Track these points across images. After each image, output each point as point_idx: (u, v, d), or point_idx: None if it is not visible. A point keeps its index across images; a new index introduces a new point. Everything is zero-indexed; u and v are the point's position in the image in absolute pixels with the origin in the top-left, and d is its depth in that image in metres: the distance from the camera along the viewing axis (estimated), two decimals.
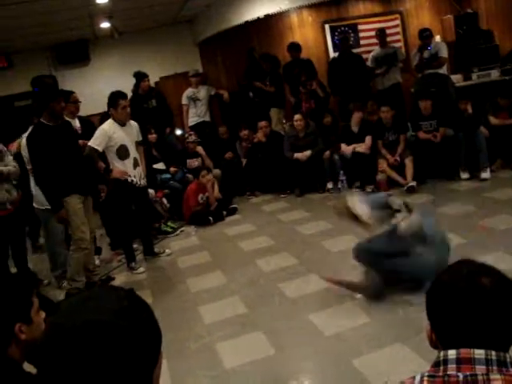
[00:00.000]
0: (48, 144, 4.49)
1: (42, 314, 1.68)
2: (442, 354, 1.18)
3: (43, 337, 0.94)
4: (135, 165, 5.42)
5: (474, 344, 1.15)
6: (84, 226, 4.72)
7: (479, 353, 1.13)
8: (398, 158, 6.88)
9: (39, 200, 5.10)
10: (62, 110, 4.68)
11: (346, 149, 7.27)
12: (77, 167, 4.72)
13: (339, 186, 7.30)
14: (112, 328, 0.90)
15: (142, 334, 0.95)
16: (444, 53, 7.98)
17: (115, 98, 5.30)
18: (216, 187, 7.26)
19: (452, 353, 1.16)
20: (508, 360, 1.13)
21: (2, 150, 5.03)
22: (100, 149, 5.21)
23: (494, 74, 8.21)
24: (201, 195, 7.03)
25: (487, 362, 1.12)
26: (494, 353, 1.13)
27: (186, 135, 8.11)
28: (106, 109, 5.68)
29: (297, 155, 7.45)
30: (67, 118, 5.65)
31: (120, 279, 5.40)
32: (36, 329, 1.62)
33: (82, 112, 7.44)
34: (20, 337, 1.59)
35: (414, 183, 6.57)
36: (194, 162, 7.73)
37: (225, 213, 7.04)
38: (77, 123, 5.87)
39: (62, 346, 0.89)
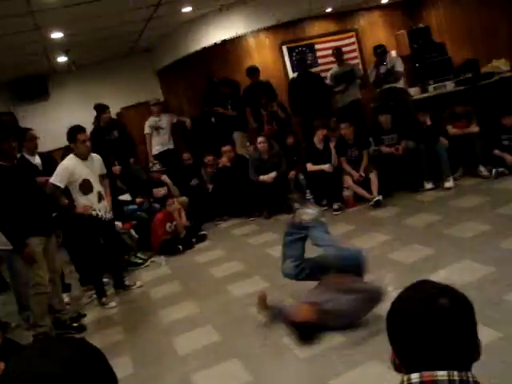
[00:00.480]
0: (4, 185, 4.36)
1: (1, 365, 1.63)
2: (405, 378, 1.17)
3: None
4: (100, 198, 5.35)
5: (436, 366, 1.14)
6: (42, 270, 4.55)
7: (442, 374, 1.13)
8: (363, 174, 6.95)
9: (2, 240, 4.98)
10: (13, 150, 4.53)
11: (312, 168, 7.29)
12: (36, 207, 4.58)
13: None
14: (60, 380, 0.87)
15: (93, 382, 0.91)
16: (400, 67, 8.15)
17: (73, 132, 5.24)
18: (183, 215, 7.21)
19: (415, 376, 1.15)
20: (470, 379, 1.13)
21: None
22: (62, 185, 5.13)
23: (450, 86, 8.41)
24: (168, 224, 6.97)
25: (450, 382, 1.12)
26: (456, 373, 1.13)
27: (150, 164, 8.06)
28: (67, 143, 5.62)
29: (262, 177, 7.46)
30: (26, 156, 5.59)
31: (91, 315, 5.29)
32: None
33: (44, 147, 7.35)
34: None
35: (380, 197, 6.63)
36: (159, 191, 7.68)
37: (194, 240, 6.99)
38: (37, 160, 5.75)
39: None
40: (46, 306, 4.68)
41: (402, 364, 1.22)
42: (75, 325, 5.01)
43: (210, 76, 8.90)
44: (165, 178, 7.85)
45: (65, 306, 5.13)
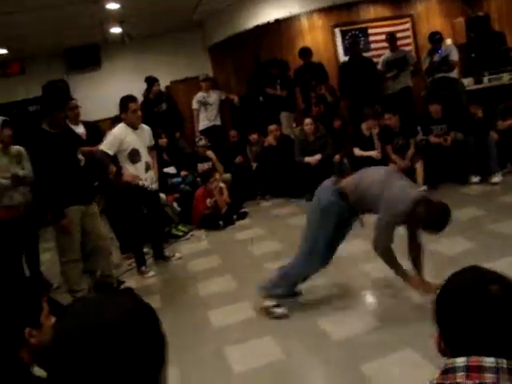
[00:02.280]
0: (47, 151, 4.42)
1: (52, 319, 1.69)
2: (450, 361, 1.17)
3: (51, 340, 0.95)
4: (147, 169, 5.44)
5: (484, 352, 1.14)
6: (73, 238, 4.64)
7: (489, 361, 1.12)
8: (409, 163, 6.85)
9: None
10: (63, 120, 4.66)
11: (360, 153, 7.24)
12: (76, 176, 4.66)
13: None
14: (119, 328, 0.92)
15: (147, 336, 0.96)
16: (455, 56, 7.96)
17: (125, 101, 5.32)
18: (225, 192, 7.27)
19: (461, 360, 1.15)
20: None
21: (21, 152, 5.11)
22: (111, 152, 5.22)
23: (506, 78, 8.16)
24: (208, 200, 7.05)
25: (497, 370, 1.11)
26: (505, 361, 1.12)
27: (197, 139, 8.13)
28: (117, 113, 5.72)
29: (307, 159, 7.45)
30: (70, 125, 5.70)
31: (130, 283, 5.39)
32: (46, 333, 1.63)
33: (93, 116, 7.53)
34: (30, 341, 1.61)
35: (424, 187, 6.54)
36: (204, 166, 7.75)
37: (235, 217, 7.05)
38: (81, 129, 5.85)
39: (69, 348, 0.90)
40: (79, 272, 4.80)
41: (448, 348, 1.22)
42: (122, 287, 5.15)
43: (257, 56, 8.90)
44: (210, 153, 7.92)
45: (112, 271, 5.23)
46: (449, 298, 1.24)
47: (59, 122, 4.56)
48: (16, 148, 5.16)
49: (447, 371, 1.16)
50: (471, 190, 6.51)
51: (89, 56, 9.76)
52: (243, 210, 7.30)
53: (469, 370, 1.13)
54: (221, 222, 6.85)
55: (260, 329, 3.87)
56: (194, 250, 6.24)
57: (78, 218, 4.65)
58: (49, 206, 4.61)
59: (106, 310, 0.95)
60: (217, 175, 7.26)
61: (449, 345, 1.22)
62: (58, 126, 4.55)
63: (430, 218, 3.43)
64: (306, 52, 8.38)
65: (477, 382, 1.10)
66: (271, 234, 6.26)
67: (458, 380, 1.12)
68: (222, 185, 7.26)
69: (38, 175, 4.56)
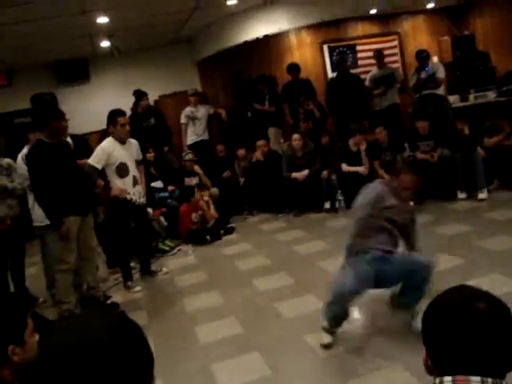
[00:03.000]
0: (48, 161, 4.46)
1: (36, 336, 1.67)
2: (437, 380, 1.17)
3: (35, 358, 0.93)
4: (134, 183, 5.43)
5: (470, 371, 1.14)
6: (69, 248, 4.64)
7: (475, 380, 1.13)
8: None
9: (38, 217, 5.08)
10: (63, 129, 4.67)
11: (347, 169, 7.27)
12: (76, 187, 4.68)
13: (337, 206, 7.32)
14: (105, 346, 0.90)
15: (134, 354, 0.94)
16: (441, 74, 8.05)
17: (114, 115, 5.32)
18: (212, 206, 7.26)
19: (448, 379, 1.15)
20: None
21: (11, 165, 5.10)
22: (99, 166, 5.20)
23: (491, 96, 8.28)
24: (194, 214, 7.03)
25: None
26: (490, 380, 1.12)
27: (183, 153, 8.12)
28: (105, 127, 5.70)
29: (295, 175, 7.47)
30: None
31: (116, 298, 5.36)
32: (29, 351, 1.60)
33: (81, 130, 7.49)
34: (13, 359, 1.58)
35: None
36: (191, 181, 7.74)
37: (222, 232, 7.04)
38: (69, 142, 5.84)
39: (53, 366, 0.88)
40: (69, 284, 4.78)
41: (435, 366, 1.22)
42: (109, 302, 5.11)
43: (239, 71, 8.99)
44: (197, 168, 7.91)
45: (98, 284, 5.21)
46: (436, 316, 1.24)
47: (59, 132, 4.60)
48: (6, 160, 5.15)
49: None
50: (458, 206, 6.56)
51: (77, 69, 9.74)
52: (230, 225, 7.29)
53: None
54: (208, 237, 6.84)
55: (247, 345, 3.85)
56: (180, 264, 6.22)
57: (75, 228, 4.66)
58: (48, 215, 4.60)
59: (91, 328, 0.94)
60: (203, 193, 7.26)
61: (436, 363, 1.22)
62: (57, 136, 4.58)
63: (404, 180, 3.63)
64: (294, 68, 8.44)
65: None
66: (258, 249, 6.25)
67: None
68: (206, 198, 7.24)
69: (37, 186, 4.55)
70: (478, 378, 1.13)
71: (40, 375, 0.90)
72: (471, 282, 4.02)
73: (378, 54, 8.71)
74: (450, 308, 1.22)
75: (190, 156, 7.94)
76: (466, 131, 6.85)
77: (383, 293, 3.84)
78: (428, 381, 1.26)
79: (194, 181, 7.75)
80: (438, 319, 1.23)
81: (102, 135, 6.18)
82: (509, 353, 1.18)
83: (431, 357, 1.24)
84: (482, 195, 6.52)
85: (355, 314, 3.98)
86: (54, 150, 4.52)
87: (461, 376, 1.14)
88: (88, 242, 4.92)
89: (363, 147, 7.21)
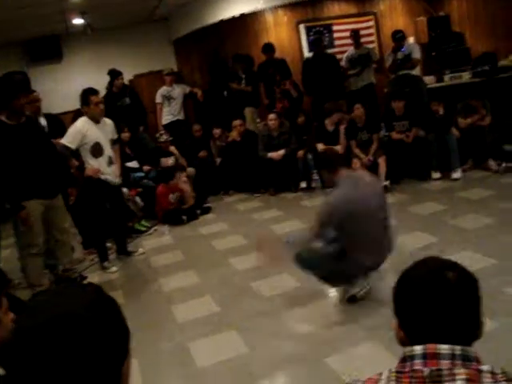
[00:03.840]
0: (7, 145, 4.28)
1: (11, 315, 1.65)
2: (409, 349, 1.19)
3: (12, 335, 0.92)
4: (109, 163, 5.36)
5: (440, 339, 1.17)
6: (35, 232, 4.54)
7: (444, 348, 1.15)
8: (372, 158, 6.94)
9: None
10: (22, 108, 4.43)
11: (323, 148, 7.29)
12: (39, 169, 4.49)
13: (313, 186, 7.36)
14: (80, 321, 0.90)
15: (110, 328, 0.94)
16: (417, 54, 8.08)
17: (87, 94, 5.23)
18: (189, 186, 7.23)
19: (418, 348, 1.17)
20: (472, 354, 1.15)
21: None
22: (73, 146, 5.13)
23: (466, 76, 8.33)
24: (171, 195, 7.00)
25: (452, 356, 1.14)
26: (458, 347, 1.15)
27: (157, 135, 8.05)
28: (79, 106, 5.62)
29: (271, 154, 7.47)
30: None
31: (92, 278, 5.33)
32: (4, 330, 1.59)
33: (55, 110, 7.38)
34: None
35: (387, 183, 6.64)
36: (167, 161, 7.70)
37: (198, 212, 7.02)
38: (43, 121, 5.74)
39: (30, 343, 0.88)
40: (40, 267, 4.73)
41: (407, 336, 1.24)
42: (84, 283, 5.06)
43: (216, 50, 8.92)
44: (173, 148, 7.86)
45: (74, 265, 5.16)
46: (406, 286, 1.27)
47: (19, 111, 4.38)
48: None
49: (405, 359, 1.19)
50: (432, 185, 6.64)
51: (50, 47, 9.54)
52: (207, 204, 7.28)
53: (426, 357, 1.16)
54: (184, 217, 6.82)
55: (224, 323, 3.87)
56: (157, 245, 6.20)
57: (38, 212, 4.54)
58: (6, 199, 4.48)
59: (66, 303, 0.93)
60: (181, 174, 7.22)
61: (407, 333, 1.25)
62: (17, 115, 4.38)
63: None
64: (269, 48, 8.38)
65: (433, 368, 1.13)
66: (235, 228, 6.26)
67: (416, 367, 1.15)
68: (184, 179, 7.22)
69: None
70: (446, 346, 1.15)
71: (17, 353, 0.89)
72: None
73: (355, 34, 8.70)
74: (420, 278, 1.25)
75: (164, 137, 7.87)
76: (441, 112, 6.91)
77: None
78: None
79: (169, 161, 7.70)
80: (408, 289, 1.26)
81: (76, 115, 6.09)
82: (476, 321, 1.22)
83: (403, 328, 1.26)
84: (456, 175, 6.60)
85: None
86: (14, 131, 4.32)
87: (431, 344, 1.17)
88: (59, 223, 4.80)
89: (343, 126, 7.23)
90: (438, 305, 1.20)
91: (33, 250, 4.58)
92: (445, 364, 1.13)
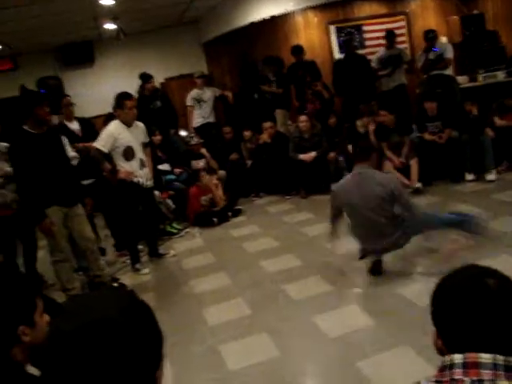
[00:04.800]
0: (29, 152, 4.30)
1: (46, 317, 1.67)
2: (448, 358, 1.16)
3: (46, 339, 0.93)
4: (141, 166, 5.42)
5: (480, 348, 1.13)
6: (58, 238, 4.58)
7: (486, 357, 1.12)
8: (404, 160, 6.85)
9: None
10: (46, 116, 4.43)
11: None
12: (59, 177, 4.52)
13: None
14: (115, 326, 0.90)
15: (144, 333, 0.95)
16: (449, 54, 7.96)
17: (121, 98, 5.28)
18: (220, 189, 7.26)
19: (458, 357, 1.14)
20: None
21: None
22: (106, 150, 5.19)
23: (500, 76, 8.18)
24: (203, 197, 7.03)
25: (494, 366, 1.10)
26: (501, 357, 1.11)
27: (188, 138, 8.08)
28: (110, 110, 5.69)
29: (302, 156, 7.44)
30: (65, 122, 5.68)
31: (125, 280, 5.38)
32: (39, 331, 1.61)
33: (87, 113, 7.50)
34: (23, 339, 1.59)
35: (419, 185, 6.55)
36: (198, 163, 7.73)
37: (230, 214, 7.03)
38: (75, 125, 5.83)
39: (65, 347, 0.89)
40: (69, 271, 4.79)
41: (445, 345, 1.21)
42: (116, 284, 5.13)
43: (245, 52, 8.94)
44: (204, 150, 7.90)
45: (104, 271, 5.15)
46: (445, 294, 1.24)
47: (42, 120, 4.38)
48: (3, 145, 4.96)
49: (444, 368, 1.16)
50: (466, 187, 6.52)
51: (82, 52, 9.72)
52: (238, 207, 7.28)
53: (466, 366, 1.12)
54: (215, 219, 6.84)
55: (255, 326, 3.87)
56: (188, 247, 6.23)
57: (59, 219, 4.57)
58: (30, 207, 4.52)
59: (101, 308, 0.94)
60: (211, 176, 7.24)
61: (446, 342, 1.21)
62: (41, 124, 4.38)
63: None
64: (298, 50, 8.35)
65: (474, 378, 1.10)
66: (266, 231, 6.25)
67: (456, 377, 1.12)
68: (215, 181, 7.24)
69: (18, 178, 4.45)
70: (488, 356, 1.12)
71: (52, 356, 0.90)
72: (481, 263, 4.04)
73: (389, 35, 8.57)
74: (459, 285, 1.22)
75: (195, 140, 7.92)
76: (475, 112, 6.79)
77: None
78: (435, 361, 1.25)
79: (200, 163, 7.73)
80: (447, 297, 1.23)
81: (107, 118, 6.16)
82: None
83: (441, 336, 1.23)
84: (491, 176, 6.47)
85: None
86: (35, 140, 4.34)
87: (471, 353, 1.13)
88: (81, 232, 4.80)
89: (372, 128, 7.15)
90: (478, 312, 1.16)
91: (58, 256, 4.64)
92: (486, 374, 1.10)
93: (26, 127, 4.38)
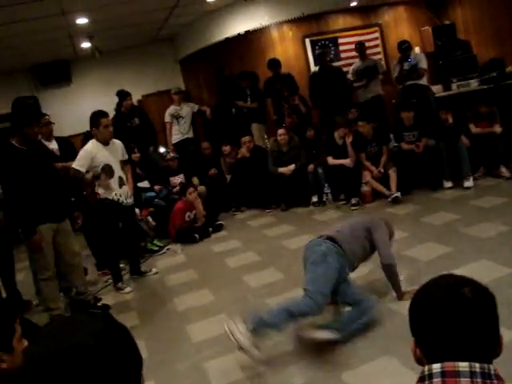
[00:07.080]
0: (17, 168, 4.28)
1: (25, 342, 1.65)
2: (426, 368, 1.18)
3: (22, 365, 0.92)
4: (121, 184, 5.39)
5: (457, 357, 1.15)
6: (47, 256, 4.53)
7: (463, 365, 1.13)
8: (382, 170, 6.92)
9: None
10: (35, 136, 4.44)
11: (333, 162, 7.29)
12: (48, 193, 4.49)
13: (324, 199, 7.34)
14: (87, 351, 0.89)
15: (120, 356, 0.94)
16: (424, 64, 8.09)
17: (96, 117, 5.27)
18: (200, 204, 7.24)
19: (436, 366, 1.15)
20: (492, 372, 1.13)
21: None
22: (83, 170, 5.16)
23: (473, 84, 8.32)
24: (188, 213, 7.01)
25: (471, 374, 1.12)
26: (477, 365, 1.13)
27: (164, 154, 8.08)
28: (88, 129, 5.66)
29: (281, 170, 7.47)
30: (43, 141, 5.62)
31: (107, 300, 5.32)
32: (18, 357, 1.59)
33: (65, 132, 7.44)
34: (1, 366, 1.57)
35: (398, 194, 6.60)
36: (176, 179, 7.72)
37: (211, 229, 7.02)
38: (54, 145, 5.79)
39: (40, 373, 0.88)
40: (54, 290, 4.70)
41: (424, 355, 1.22)
42: (100, 304, 5.08)
43: (221, 68, 8.98)
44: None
45: (87, 288, 5.13)
46: (422, 304, 1.25)
47: (30, 139, 4.38)
48: None
49: (424, 378, 1.17)
50: (444, 195, 6.60)
51: (59, 71, 9.67)
52: (219, 222, 7.27)
53: (444, 375, 1.14)
54: (196, 236, 6.82)
55: None
56: (170, 264, 6.20)
57: (49, 236, 4.53)
58: (19, 224, 4.47)
59: (75, 333, 0.93)
60: (194, 193, 7.23)
61: (424, 352, 1.23)
62: (29, 142, 4.38)
63: None
64: (274, 63, 8.43)
65: None
66: (247, 245, 6.24)
67: None
68: (195, 196, 7.23)
69: (7, 193, 4.39)
70: (465, 364, 1.13)
71: (28, 382, 0.89)
72: (459, 270, 4.08)
73: (360, 46, 8.72)
74: (435, 295, 1.23)
75: (171, 155, 7.92)
76: (450, 120, 6.89)
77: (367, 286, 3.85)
78: (419, 370, 1.26)
79: (179, 179, 7.73)
80: (424, 306, 1.24)
81: (85, 137, 6.13)
82: (494, 338, 1.19)
83: (420, 346, 1.24)
84: (468, 183, 6.56)
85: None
86: (24, 155, 4.32)
87: (449, 362, 1.15)
88: (69, 247, 4.76)
89: (349, 140, 7.22)
90: (454, 321, 1.17)
91: (45, 275, 4.57)
92: (464, 382, 1.11)
93: (13, 142, 4.34)
